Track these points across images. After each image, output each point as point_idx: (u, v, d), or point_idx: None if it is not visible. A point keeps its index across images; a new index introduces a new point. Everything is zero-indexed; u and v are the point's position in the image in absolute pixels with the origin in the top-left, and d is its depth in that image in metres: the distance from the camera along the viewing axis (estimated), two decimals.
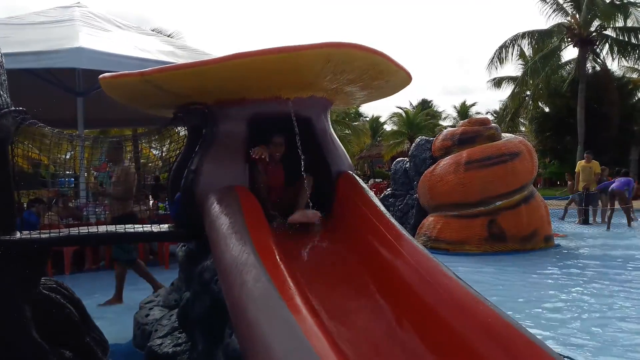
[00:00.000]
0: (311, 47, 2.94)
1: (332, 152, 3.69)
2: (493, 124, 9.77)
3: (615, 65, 23.55)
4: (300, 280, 2.58)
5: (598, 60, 22.58)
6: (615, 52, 21.17)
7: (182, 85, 3.30)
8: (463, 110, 44.07)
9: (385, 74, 3.45)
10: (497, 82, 26.84)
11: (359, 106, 36.15)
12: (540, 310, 5.25)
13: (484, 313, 2.27)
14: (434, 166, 9.38)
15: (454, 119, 43.98)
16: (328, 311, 2.52)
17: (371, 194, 3.38)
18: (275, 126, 3.88)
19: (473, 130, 9.28)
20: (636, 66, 24.12)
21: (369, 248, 3.00)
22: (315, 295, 2.60)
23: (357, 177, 3.62)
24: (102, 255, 8.77)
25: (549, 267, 7.51)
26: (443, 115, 45.70)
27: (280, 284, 2.21)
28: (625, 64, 23.26)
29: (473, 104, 45.50)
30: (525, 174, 8.86)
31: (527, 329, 2.23)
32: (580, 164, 13.37)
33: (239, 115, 3.44)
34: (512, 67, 27.66)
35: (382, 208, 3.24)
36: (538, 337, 2.19)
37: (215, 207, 3.02)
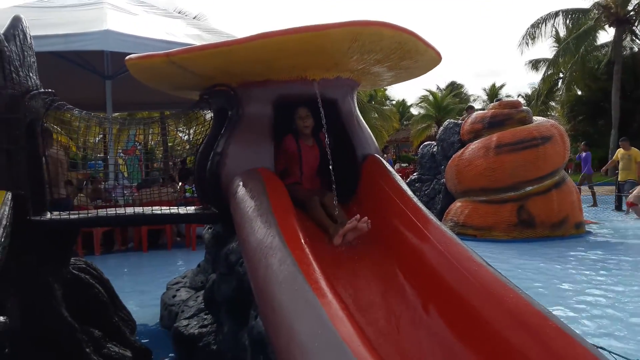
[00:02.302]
0: (338, 26, 2.86)
1: (358, 135, 3.62)
2: (524, 107, 9.50)
3: None
4: (325, 264, 2.54)
5: (636, 40, 21.71)
6: None
7: (206, 66, 3.27)
8: (492, 93, 43.24)
9: (414, 54, 3.35)
10: (534, 64, 26.15)
11: (386, 88, 35.75)
12: (570, 299, 5.12)
13: (514, 301, 2.19)
14: (462, 150, 9.20)
15: (484, 101, 43.20)
16: (353, 296, 2.49)
17: (398, 177, 3.32)
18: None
19: (503, 114, 9.04)
20: None
21: (395, 232, 2.94)
22: (341, 279, 2.57)
23: (384, 160, 3.55)
24: (131, 237, 8.95)
25: (580, 255, 7.30)
26: (472, 99, 44.88)
27: (305, 267, 2.18)
28: None
29: (502, 86, 44.58)
30: (557, 158, 8.61)
31: (558, 317, 2.15)
32: (619, 151, 12.48)
33: (264, 96, 3.40)
34: (549, 49, 26.82)
35: (409, 192, 3.17)
36: (569, 326, 2.12)
37: (241, 190, 3.00)
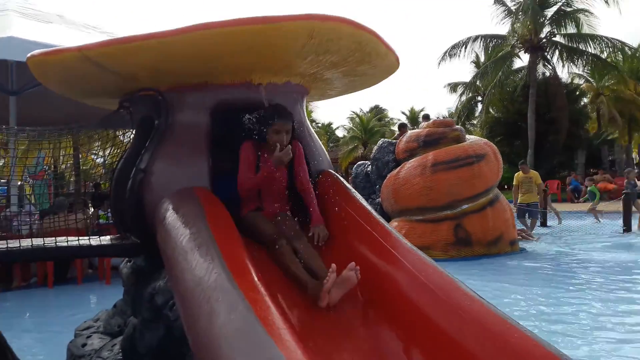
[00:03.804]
0: (292, 19, 2.41)
1: (311, 148, 3.17)
2: (457, 126, 9.54)
3: (564, 71, 24.30)
4: (285, 306, 2.04)
5: (548, 66, 23.16)
6: (565, 58, 21.75)
7: (131, 64, 2.69)
8: (412, 116, 44.66)
9: (374, 57, 2.96)
10: (453, 87, 27.25)
11: (312, 110, 35.77)
12: (511, 314, 4.93)
13: (520, 342, 1.80)
14: (398, 169, 9.02)
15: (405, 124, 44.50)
16: (318, 345, 1.99)
17: (359, 196, 2.88)
18: (241, 117, 3.33)
19: (438, 132, 8.99)
20: (582, 73, 25.04)
21: (360, 258, 2.49)
22: (302, 324, 2.06)
23: (340, 177, 3.11)
24: (34, 271, 7.82)
25: (516, 272, 7.31)
26: (394, 122, 46.14)
27: (264, 314, 1.67)
28: (574, 70, 24.05)
29: (421, 110, 46.19)
30: (491, 176, 8.65)
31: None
32: (518, 175, 11.89)
33: (200, 103, 2.87)
34: (468, 73, 28.07)
35: (374, 212, 2.75)
36: None
37: (171, 215, 2.44)
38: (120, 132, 3.81)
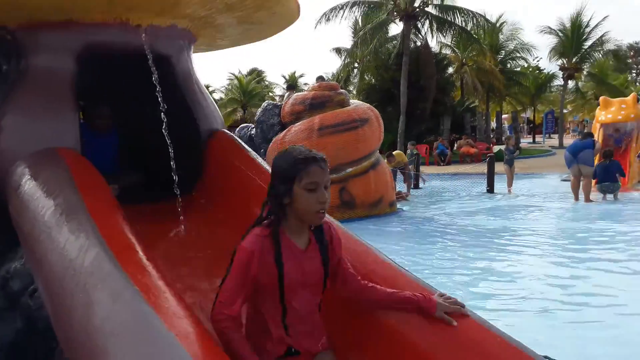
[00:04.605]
0: None
1: (201, 104, 2.80)
2: (342, 89, 9.51)
3: (434, 41, 25.57)
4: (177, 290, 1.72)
5: (420, 35, 24.22)
6: (435, 28, 22.89)
7: None
8: (293, 80, 44.58)
9: (274, 2, 2.65)
10: (338, 51, 27.60)
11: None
12: None
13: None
14: (284, 132, 8.78)
15: (283, 88, 44.35)
16: None
17: (259, 158, 2.60)
18: (116, 65, 2.85)
19: (324, 95, 8.86)
20: (449, 43, 26.66)
21: None
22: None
23: (236, 137, 2.80)
24: None
25: (396, 231, 7.63)
26: (273, 86, 45.74)
27: (158, 303, 1.35)
28: (442, 40, 25.46)
29: (302, 75, 46.25)
30: (374, 140, 8.80)
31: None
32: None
33: (63, 44, 2.37)
34: (349, 40, 28.37)
35: None
36: None
37: (28, 181, 1.96)
38: None
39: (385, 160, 12.08)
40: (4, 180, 2.11)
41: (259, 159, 2.55)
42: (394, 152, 12.50)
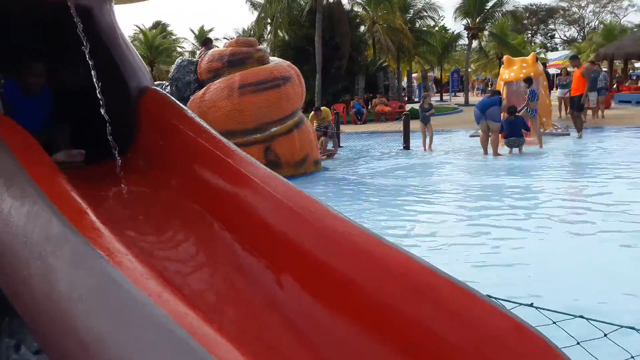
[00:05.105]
0: None
1: (128, 61, 2.64)
2: (260, 46, 9.31)
3: None
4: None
5: None
6: None
7: None
8: (201, 35, 42.73)
9: None
10: (253, 4, 26.79)
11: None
12: None
13: (398, 261, 1.80)
14: (203, 91, 8.48)
15: (193, 44, 42.47)
16: (192, 289, 1.71)
17: (195, 115, 2.53)
18: (30, 21, 2.61)
19: (242, 52, 8.62)
20: (360, 1, 26.77)
21: (206, 182, 2.22)
22: (166, 268, 1.74)
23: (168, 94, 2.68)
24: None
25: (322, 190, 7.76)
26: (181, 40, 43.59)
27: (124, 265, 1.32)
28: None
29: (211, 29, 44.41)
30: (297, 99, 8.76)
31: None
32: (312, 117, 12.01)
33: None
34: None
35: (213, 130, 2.45)
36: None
37: None
38: None
39: (312, 114, 12.12)
40: None
41: (197, 118, 2.48)
42: (321, 108, 12.49)
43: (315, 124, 11.56)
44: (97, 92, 2.19)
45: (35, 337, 1.37)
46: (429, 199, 6.78)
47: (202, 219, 2.11)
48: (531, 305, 2.05)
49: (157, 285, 1.29)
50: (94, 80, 2.20)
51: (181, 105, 2.56)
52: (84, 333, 1.19)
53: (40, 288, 1.27)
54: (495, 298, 1.87)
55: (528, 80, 10.91)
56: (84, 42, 2.20)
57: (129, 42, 2.74)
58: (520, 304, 2.04)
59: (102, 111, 2.22)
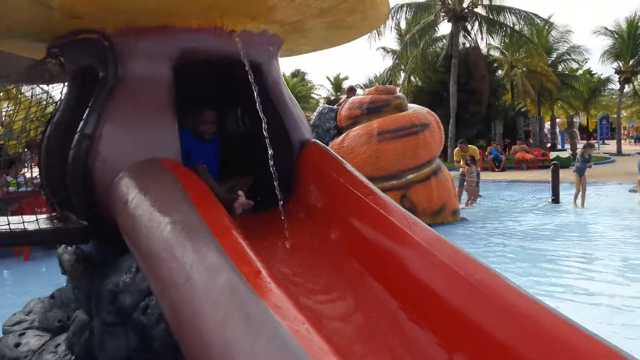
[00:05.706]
0: None
1: (292, 114, 2.69)
2: (399, 94, 9.31)
3: (482, 43, 24.92)
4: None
5: (469, 37, 23.67)
6: (485, 30, 22.31)
7: None
8: (337, 82, 44.55)
9: (368, 5, 2.52)
10: (388, 52, 27.45)
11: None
12: None
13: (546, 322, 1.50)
14: (342, 137, 8.65)
15: (328, 90, 44.38)
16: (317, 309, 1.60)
17: (355, 169, 2.47)
18: (202, 74, 2.79)
19: (381, 99, 8.70)
20: (498, 45, 25.95)
21: (365, 239, 2.11)
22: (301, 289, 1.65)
23: (327, 147, 2.67)
24: None
25: (460, 241, 7.28)
26: (317, 87, 45.88)
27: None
28: (492, 42, 24.78)
29: (345, 78, 46.15)
30: (435, 146, 8.54)
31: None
32: (457, 152, 11.32)
33: (159, 51, 2.30)
34: (394, 41, 28.08)
35: (372, 185, 2.37)
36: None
37: (139, 196, 1.89)
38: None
39: (457, 149, 11.40)
40: (108, 191, 2.05)
41: (355, 170, 2.42)
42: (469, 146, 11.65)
43: (460, 163, 10.88)
44: (267, 143, 2.23)
45: None
46: (584, 268, 5.72)
47: (361, 279, 2.00)
48: None
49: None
50: (264, 132, 2.24)
51: (340, 158, 2.52)
52: None
53: (219, 353, 1.23)
54: None
55: None
56: (255, 94, 2.27)
57: (291, 95, 2.81)
58: None
59: (270, 163, 2.25)
